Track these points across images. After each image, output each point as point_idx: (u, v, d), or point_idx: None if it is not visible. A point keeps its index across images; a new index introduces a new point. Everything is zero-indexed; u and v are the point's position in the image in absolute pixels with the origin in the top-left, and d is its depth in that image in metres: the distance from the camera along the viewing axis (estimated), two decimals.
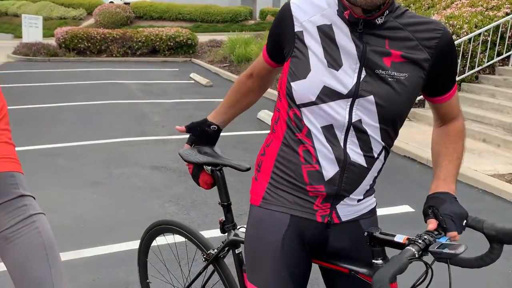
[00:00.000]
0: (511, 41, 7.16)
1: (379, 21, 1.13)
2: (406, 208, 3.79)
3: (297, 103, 1.17)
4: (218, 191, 1.64)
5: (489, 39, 7.01)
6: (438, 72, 1.18)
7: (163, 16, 23.21)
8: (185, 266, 2.25)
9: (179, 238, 1.92)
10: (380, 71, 1.13)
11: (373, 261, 1.20)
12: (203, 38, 17.04)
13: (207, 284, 1.89)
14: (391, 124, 1.19)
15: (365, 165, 1.20)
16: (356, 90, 1.13)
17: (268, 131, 1.36)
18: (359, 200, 1.26)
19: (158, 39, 14.72)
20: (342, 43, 1.14)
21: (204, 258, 1.78)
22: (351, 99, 1.14)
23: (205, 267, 1.80)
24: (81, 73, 11.45)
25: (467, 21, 7.22)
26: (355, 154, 1.18)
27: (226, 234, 1.67)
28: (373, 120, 1.16)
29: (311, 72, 1.15)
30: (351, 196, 1.23)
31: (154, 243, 2.01)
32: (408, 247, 1.07)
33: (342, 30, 1.15)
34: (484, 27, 6.95)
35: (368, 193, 1.28)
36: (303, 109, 1.17)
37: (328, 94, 1.14)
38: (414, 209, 3.77)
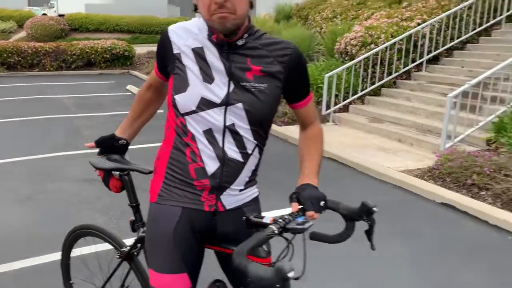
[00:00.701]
0: (423, 49, 7.83)
1: (240, 42, 1.39)
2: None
3: (181, 112, 1.41)
4: (127, 193, 1.84)
5: (404, 47, 7.64)
6: (292, 82, 1.45)
7: (99, 28, 22.75)
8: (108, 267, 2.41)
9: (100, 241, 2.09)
10: (244, 83, 1.38)
11: None
12: (141, 49, 16.97)
13: (126, 282, 2.07)
14: (259, 126, 1.45)
15: (242, 160, 1.44)
16: (227, 99, 1.38)
17: None
18: (240, 190, 1.49)
19: (93, 52, 14.52)
20: (212, 61, 1.39)
21: (118, 255, 1.96)
22: (224, 106, 1.38)
23: (119, 264, 1.98)
24: (12, 88, 11.09)
25: (384, 31, 7.83)
26: (232, 152, 1.42)
27: (136, 232, 1.87)
28: (244, 123, 1.40)
29: (189, 86, 1.38)
30: (232, 187, 1.46)
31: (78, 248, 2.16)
32: (270, 226, 1.31)
33: (212, 51, 1.40)
34: (398, 36, 7.58)
35: (249, 184, 1.51)
36: (187, 117, 1.40)
37: (205, 104, 1.38)
38: None
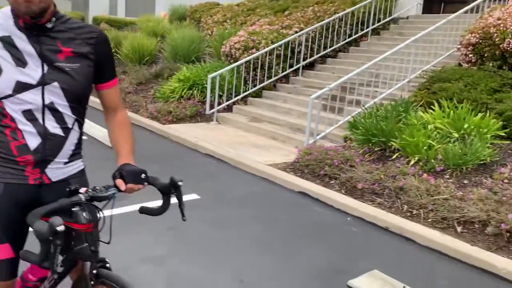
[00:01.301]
0: (300, 55, 8.55)
1: (49, 25, 1.55)
2: (193, 196, 4.44)
3: None
4: None
5: (282, 53, 8.28)
6: (100, 62, 1.66)
7: None
8: None
9: None
10: (57, 64, 1.56)
11: (73, 209, 1.55)
12: None
13: None
14: (77, 102, 1.63)
15: (63, 134, 1.62)
16: (43, 80, 1.54)
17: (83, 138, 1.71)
18: (65, 163, 1.66)
19: None
20: (23, 47, 1.53)
21: None
22: (41, 87, 1.54)
23: None
24: None
25: (265, 37, 8.40)
26: (53, 128, 1.59)
27: None
28: (62, 100, 1.58)
29: (3, 72, 1.52)
30: (56, 160, 1.63)
31: None
32: (79, 194, 1.53)
33: (20, 37, 1.53)
34: (278, 42, 8.19)
35: (73, 157, 1.69)
36: (4, 101, 1.54)
37: (21, 87, 1.53)
38: (200, 196, 4.45)
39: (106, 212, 1.60)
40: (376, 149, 5.11)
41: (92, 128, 6.36)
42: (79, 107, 1.66)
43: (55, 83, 1.55)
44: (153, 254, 3.29)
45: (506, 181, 4.12)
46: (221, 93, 7.89)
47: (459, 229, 3.66)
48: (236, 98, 8.03)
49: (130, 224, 3.71)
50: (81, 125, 1.71)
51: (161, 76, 9.56)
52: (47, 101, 1.56)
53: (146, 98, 8.69)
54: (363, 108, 5.88)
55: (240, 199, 4.55)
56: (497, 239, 3.46)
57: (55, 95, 1.57)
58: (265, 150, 6.13)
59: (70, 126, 1.64)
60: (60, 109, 1.59)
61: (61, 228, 1.28)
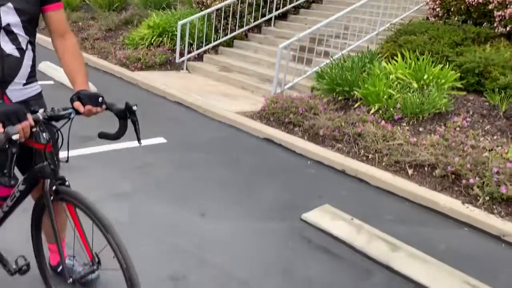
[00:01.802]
0: (273, 5, 8.48)
1: None
2: (160, 140, 4.54)
3: None
4: None
5: (254, 2, 8.19)
6: None
7: None
8: None
9: None
10: None
11: (33, 130, 1.61)
12: None
13: None
14: (29, 22, 1.72)
15: (18, 55, 1.72)
16: None
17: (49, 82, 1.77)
18: (24, 85, 1.77)
19: None
20: None
21: None
22: None
23: None
24: None
25: None
26: (9, 49, 1.69)
27: None
28: (16, 20, 1.67)
29: None
30: (15, 80, 1.73)
31: None
32: (38, 114, 1.59)
33: None
34: None
35: (30, 79, 1.80)
36: None
37: None
38: (167, 140, 4.56)
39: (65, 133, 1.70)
40: (340, 98, 5.27)
41: (59, 72, 6.28)
42: (31, 28, 1.75)
43: (9, 4, 1.63)
44: (119, 191, 3.41)
45: (458, 129, 4.37)
46: (191, 42, 7.82)
47: (410, 171, 3.91)
48: (206, 47, 7.99)
49: (98, 163, 3.82)
50: (33, 47, 1.79)
51: (131, 22, 9.35)
52: (3, 23, 1.64)
53: (115, 44, 8.53)
54: (331, 59, 5.98)
55: (206, 144, 4.68)
56: (443, 181, 3.73)
57: (9, 17, 1.64)
58: (234, 99, 6.22)
59: (24, 47, 1.73)
60: (15, 30, 1.68)
61: (16, 136, 1.38)
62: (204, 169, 4.00)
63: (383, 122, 4.55)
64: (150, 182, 3.65)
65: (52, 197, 1.68)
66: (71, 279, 1.72)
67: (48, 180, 1.67)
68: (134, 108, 1.76)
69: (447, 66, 5.16)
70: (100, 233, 1.64)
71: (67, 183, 1.72)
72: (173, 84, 6.61)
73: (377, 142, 4.24)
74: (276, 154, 4.54)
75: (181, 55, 7.67)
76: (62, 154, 1.82)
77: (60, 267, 2.19)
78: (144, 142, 4.36)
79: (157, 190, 3.50)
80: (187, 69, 7.72)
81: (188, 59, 7.75)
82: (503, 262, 2.86)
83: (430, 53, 5.43)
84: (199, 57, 8.04)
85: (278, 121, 5.11)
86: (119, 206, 3.18)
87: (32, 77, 1.81)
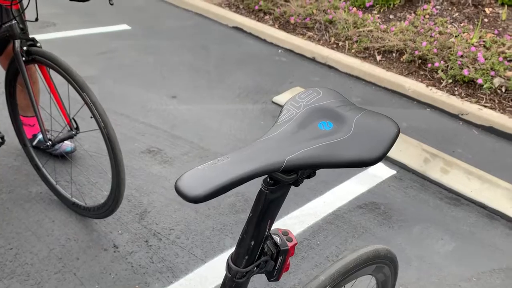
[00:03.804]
0: None
1: None
2: (124, 27, 4.35)
3: None
4: None
5: None
6: None
7: None
8: None
9: None
10: None
11: None
12: None
13: None
14: None
15: None
16: None
17: None
18: None
19: None
20: None
21: None
22: None
23: None
24: None
25: None
26: None
27: None
28: None
29: None
30: None
31: None
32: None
33: None
34: None
35: None
36: None
37: None
38: (131, 27, 4.37)
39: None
40: None
41: None
42: None
43: None
44: (84, 74, 3.33)
45: (427, 16, 4.38)
46: None
47: (378, 58, 3.97)
48: None
49: (59, 49, 3.66)
50: None
51: None
52: None
53: None
54: None
55: (172, 31, 4.52)
56: (410, 66, 3.82)
57: None
58: None
59: None
60: None
61: None
62: (172, 56, 3.92)
63: (354, 9, 4.49)
64: (115, 66, 3.56)
65: (24, 58, 1.62)
66: (50, 142, 1.73)
67: (18, 41, 1.61)
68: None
69: None
70: (76, 92, 1.62)
71: (38, 44, 1.66)
72: None
73: (347, 29, 4.22)
74: (246, 43, 4.46)
75: None
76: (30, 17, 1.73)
77: (36, 140, 2.19)
78: (107, 28, 4.17)
79: (125, 75, 3.44)
80: None
81: None
82: (460, 136, 3.07)
83: None
84: None
85: (248, 8, 4.95)
86: None
87: None
